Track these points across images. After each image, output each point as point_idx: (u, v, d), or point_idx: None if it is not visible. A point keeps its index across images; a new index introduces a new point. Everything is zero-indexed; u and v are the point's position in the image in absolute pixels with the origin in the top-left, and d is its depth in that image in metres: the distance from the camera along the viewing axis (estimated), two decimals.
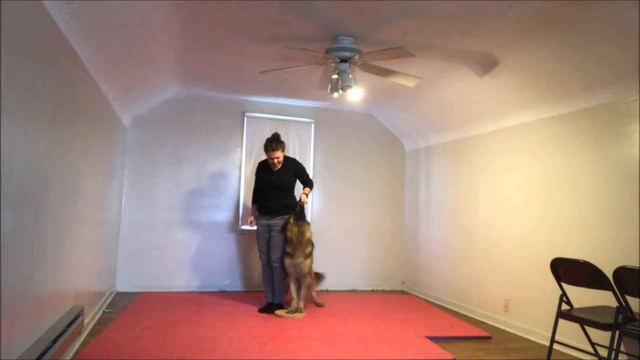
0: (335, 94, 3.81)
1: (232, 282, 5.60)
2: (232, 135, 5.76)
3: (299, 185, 4.64)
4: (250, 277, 5.64)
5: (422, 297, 5.68)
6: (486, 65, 3.87)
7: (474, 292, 4.79)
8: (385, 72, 3.73)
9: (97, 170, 3.74)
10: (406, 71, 4.04)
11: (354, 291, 5.93)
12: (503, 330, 4.23)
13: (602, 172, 3.45)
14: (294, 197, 4.61)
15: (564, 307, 3.16)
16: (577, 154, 3.67)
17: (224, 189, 5.70)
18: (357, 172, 6.19)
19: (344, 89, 3.63)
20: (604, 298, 3.07)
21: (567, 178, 3.75)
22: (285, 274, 4.45)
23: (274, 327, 3.93)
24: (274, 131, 4.73)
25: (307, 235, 4.38)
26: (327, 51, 3.50)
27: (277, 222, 4.45)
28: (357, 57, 3.53)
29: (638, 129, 3.19)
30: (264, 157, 4.72)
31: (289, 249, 4.35)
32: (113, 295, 4.98)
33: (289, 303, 4.47)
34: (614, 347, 2.70)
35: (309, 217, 4.75)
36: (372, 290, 6.07)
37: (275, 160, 4.45)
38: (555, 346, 3.41)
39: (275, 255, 4.42)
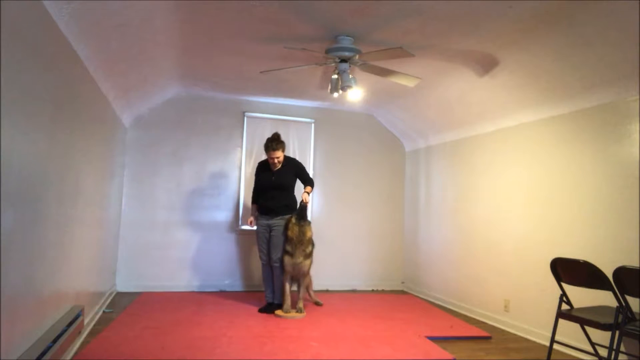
0: (335, 94, 3.81)
1: (232, 282, 5.60)
2: (232, 135, 5.76)
3: (299, 185, 4.64)
4: (250, 277, 5.64)
5: (422, 297, 5.68)
6: (486, 65, 3.87)
7: (474, 292, 4.79)
8: (385, 72, 3.73)
9: (97, 170, 3.74)
10: (406, 71, 4.04)
11: (354, 291, 5.93)
12: (503, 330, 4.23)
13: (602, 172, 3.45)
14: (294, 197, 4.61)
15: (564, 307, 3.16)
16: (577, 154, 3.67)
17: (224, 189, 5.70)
18: (357, 172, 6.19)
19: (344, 89, 3.63)
20: (604, 298, 3.07)
21: (567, 178, 3.75)
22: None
23: (274, 327, 3.93)
24: (274, 131, 4.73)
25: (308, 234, 4.38)
26: (327, 51, 3.50)
27: (278, 222, 4.45)
28: (357, 57, 3.53)
29: (638, 129, 3.19)
30: (264, 157, 4.72)
31: (289, 248, 4.35)
32: (113, 295, 4.98)
33: (294, 303, 4.47)
34: (614, 347, 2.70)
35: (309, 217, 4.74)
36: (372, 290, 6.07)
37: (276, 160, 4.45)
38: (555, 346, 3.41)
39: (276, 255, 4.42)
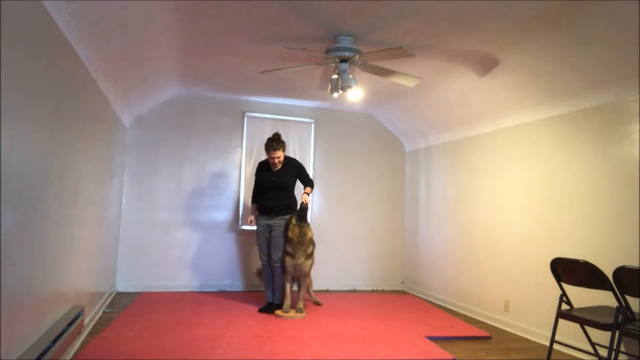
0: (335, 94, 3.81)
1: (232, 282, 5.60)
2: (232, 135, 5.76)
3: (299, 185, 4.64)
4: (250, 277, 5.64)
5: (422, 297, 5.68)
6: (486, 65, 3.87)
7: (474, 292, 4.79)
8: (385, 72, 3.73)
9: (97, 170, 3.74)
10: (406, 71, 4.04)
11: (354, 291, 5.93)
12: (503, 330, 4.23)
13: (602, 172, 3.45)
14: (294, 197, 4.61)
15: (564, 307, 3.16)
16: (577, 154, 3.67)
17: (224, 189, 5.70)
18: (357, 172, 6.19)
19: (344, 89, 3.63)
20: (604, 298, 3.06)
21: (567, 178, 3.75)
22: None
23: (274, 327, 3.93)
24: (274, 131, 4.73)
25: (309, 235, 4.38)
26: (327, 51, 3.50)
27: (278, 222, 4.45)
28: (357, 57, 3.53)
29: (638, 129, 3.19)
30: (264, 157, 4.72)
31: (289, 249, 4.35)
32: (113, 295, 4.98)
33: (294, 303, 4.47)
34: (614, 347, 2.70)
35: (309, 217, 4.75)
36: (372, 290, 6.07)
37: (276, 160, 4.45)
38: (555, 346, 3.41)
39: (276, 255, 4.42)
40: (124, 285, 5.26)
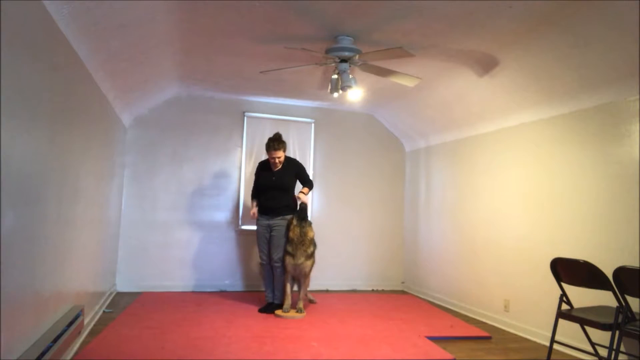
0: (335, 94, 3.81)
1: (232, 282, 5.60)
2: (232, 135, 5.76)
3: (299, 186, 4.63)
4: (250, 277, 5.64)
5: (422, 297, 5.68)
6: (486, 65, 3.87)
7: (474, 292, 4.79)
8: (385, 72, 3.73)
9: (97, 170, 3.74)
10: (406, 71, 4.04)
11: (354, 291, 5.93)
12: (503, 330, 4.23)
13: (602, 172, 3.45)
14: (294, 197, 4.61)
15: (564, 307, 3.16)
16: (577, 154, 3.67)
17: (224, 189, 5.70)
18: (357, 172, 6.19)
19: (344, 89, 3.63)
20: (604, 298, 3.06)
21: (567, 178, 3.75)
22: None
23: (274, 327, 3.93)
24: (274, 131, 4.73)
25: (310, 235, 4.37)
26: (327, 51, 3.50)
27: (278, 222, 4.45)
28: (357, 57, 3.53)
29: (638, 129, 3.19)
30: (264, 157, 4.72)
31: (290, 249, 4.35)
32: (113, 295, 4.98)
33: (294, 303, 4.47)
34: (614, 347, 2.70)
35: (309, 217, 4.74)
36: (372, 290, 6.07)
37: (277, 160, 4.45)
38: (555, 346, 3.41)
39: (277, 255, 4.42)
40: (124, 285, 5.26)
